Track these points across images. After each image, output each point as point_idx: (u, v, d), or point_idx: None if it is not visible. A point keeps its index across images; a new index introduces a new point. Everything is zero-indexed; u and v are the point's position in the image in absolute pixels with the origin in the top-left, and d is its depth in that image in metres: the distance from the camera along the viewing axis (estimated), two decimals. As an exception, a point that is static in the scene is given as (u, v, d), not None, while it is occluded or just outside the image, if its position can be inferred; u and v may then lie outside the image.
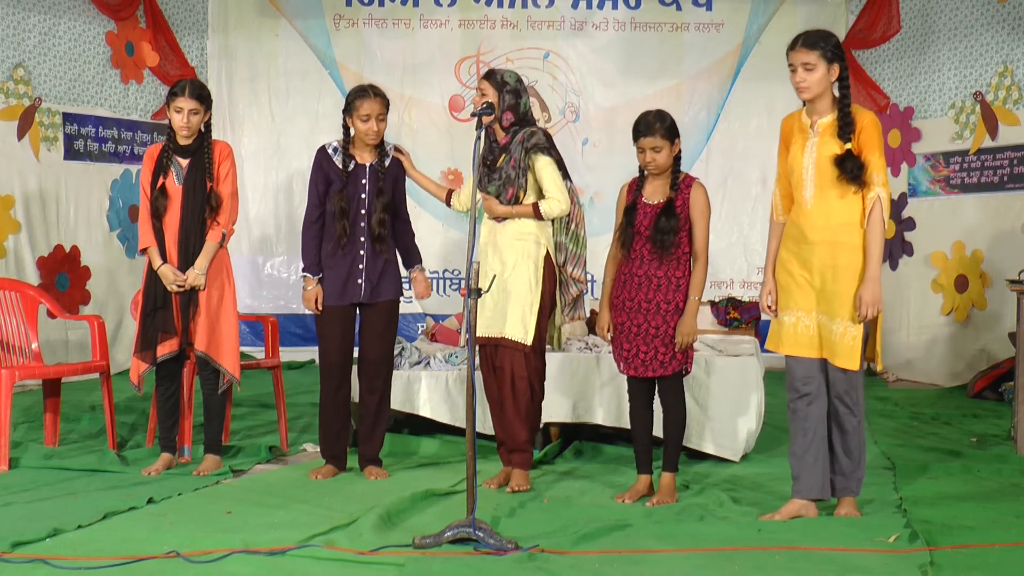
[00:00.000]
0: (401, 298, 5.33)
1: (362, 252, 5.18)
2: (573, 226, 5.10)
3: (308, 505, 4.60)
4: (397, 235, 5.33)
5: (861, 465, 4.43)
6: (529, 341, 4.97)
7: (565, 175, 5.07)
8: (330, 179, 5.19)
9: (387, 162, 5.26)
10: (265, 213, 9.88)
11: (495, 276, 4.99)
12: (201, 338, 5.22)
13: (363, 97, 5.12)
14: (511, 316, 4.97)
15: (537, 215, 4.99)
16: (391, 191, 5.24)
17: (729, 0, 9.77)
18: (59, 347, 8.14)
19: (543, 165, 4.99)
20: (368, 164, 5.21)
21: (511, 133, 5.03)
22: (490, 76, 5.07)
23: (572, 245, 5.09)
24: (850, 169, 4.23)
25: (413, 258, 5.39)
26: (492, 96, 5.00)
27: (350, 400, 5.34)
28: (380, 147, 5.26)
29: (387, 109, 5.19)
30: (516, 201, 5.01)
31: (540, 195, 5.02)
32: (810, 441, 4.41)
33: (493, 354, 5.06)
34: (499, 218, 5.06)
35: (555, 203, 4.97)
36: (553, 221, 5.06)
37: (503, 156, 5.03)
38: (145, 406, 6.47)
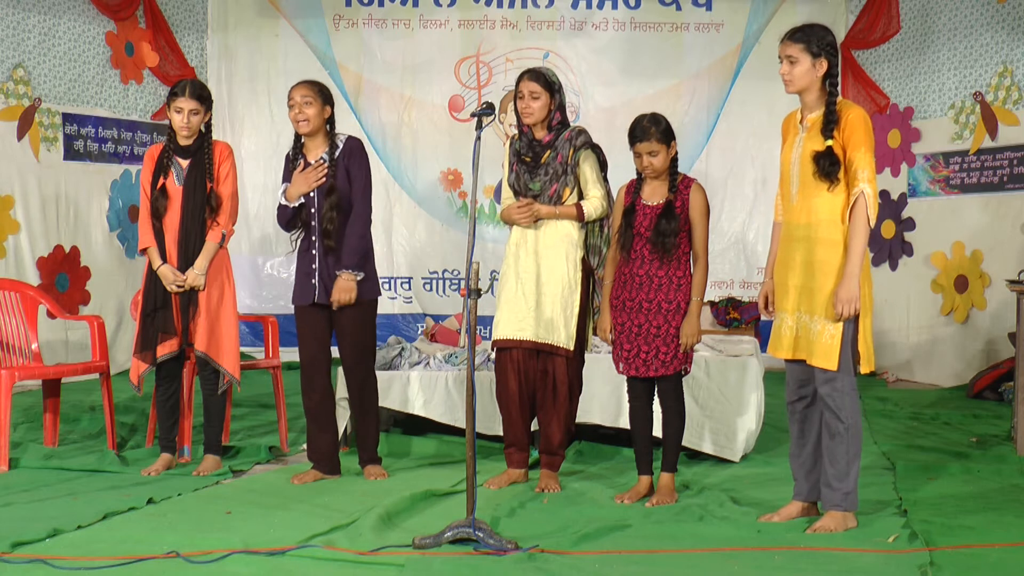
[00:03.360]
0: (378, 297, 5.19)
1: (314, 252, 5.09)
2: (607, 230, 5.04)
3: (308, 505, 4.60)
4: (346, 231, 5.07)
5: (849, 479, 4.21)
6: (572, 346, 4.97)
7: (605, 177, 5.06)
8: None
9: (336, 153, 5.09)
10: (265, 213, 9.87)
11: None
12: (201, 338, 5.21)
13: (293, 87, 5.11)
14: (553, 321, 4.95)
15: (580, 216, 4.98)
16: (346, 186, 5.05)
17: (729, 0, 9.78)
18: (59, 347, 8.14)
19: (591, 165, 4.99)
20: (315, 161, 5.11)
21: (555, 131, 5.02)
22: (537, 77, 4.98)
23: (605, 248, 5.03)
24: (823, 165, 4.15)
25: (344, 259, 5.02)
26: (545, 98, 4.97)
27: (331, 402, 5.27)
28: (331, 139, 5.12)
29: (318, 96, 5.06)
30: (558, 199, 4.99)
31: (581, 195, 5.02)
32: (807, 444, 4.39)
33: (522, 357, 5.03)
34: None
35: (597, 202, 4.97)
36: (586, 223, 5.04)
37: (548, 153, 5.01)
38: (145, 406, 6.47)
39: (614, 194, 5.04)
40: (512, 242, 5.10)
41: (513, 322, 5.01)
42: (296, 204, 5.08)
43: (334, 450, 5.23)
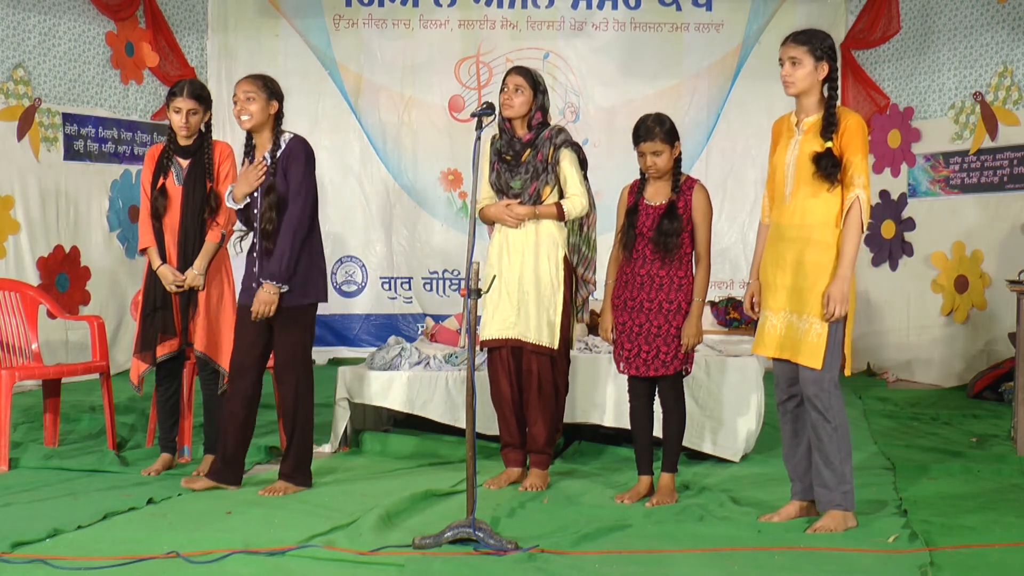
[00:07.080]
0: (316, 302, 4.94)
1: (255, 253, 4.95)
2: (587, 229, 5.09)
3: (308, 505, 4.60)
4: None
5: (845, 479, 4.23)
6: (556, 344, 4.98)
7: (585, 176, 5.08)
8: None
9: (279, 152, 4.90)
10: (265, 213, 9.88)
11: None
12: (201, 338, 5.21)
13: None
14: (536, 319, 4.97)
15: (560, 215, 4.99)
16: (284, 184, 4.83)
17: (729, 0, 9.77)
18: (59, 347, 8.13)
19: (570, 162, 5.01)
20: (261, 158, 4.97)
21: (535, 131, 5.04)
22: (524, 73, 5.04)
23: (585, 247, 5.08)
24: (825, 167, 4.17)
25: (269, 267, 4.79)
26: (529, 94, 5.00)
27: (252, 408, 4.96)
28: (275, 137, 4.94)
29: (262, 91, 4.96)
30: (538, 197, 5.00)
31: (561, 193, 5.03)
32: (801, 444, 4.39)
33: (511, 356, 5.05)
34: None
35: (577, 200, 4.99)
36: (567, 223, 5.06)
37: (528, 151, 5.02)
38: (145, 406, 6.47)
39: (594, 193, 5.11)
40: (495, 242, 5.12)
41: (498, 322, 5.02)
42: (242, 205, 4.92)
43: (240, 457, 4.98)
